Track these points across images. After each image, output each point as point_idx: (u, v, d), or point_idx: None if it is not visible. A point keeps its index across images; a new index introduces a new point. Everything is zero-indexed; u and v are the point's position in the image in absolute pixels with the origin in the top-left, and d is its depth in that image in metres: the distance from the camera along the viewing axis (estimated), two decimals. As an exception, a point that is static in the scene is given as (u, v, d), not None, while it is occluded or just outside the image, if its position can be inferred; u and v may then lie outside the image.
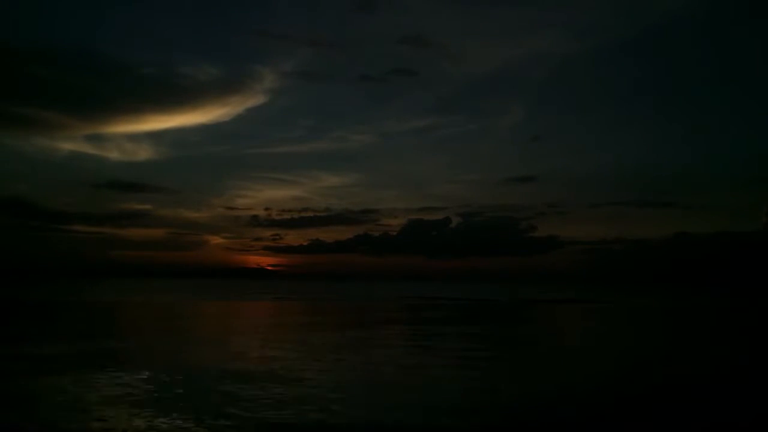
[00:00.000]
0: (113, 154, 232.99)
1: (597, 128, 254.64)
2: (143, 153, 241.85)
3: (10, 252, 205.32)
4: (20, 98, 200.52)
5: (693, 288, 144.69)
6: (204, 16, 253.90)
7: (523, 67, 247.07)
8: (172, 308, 52.19)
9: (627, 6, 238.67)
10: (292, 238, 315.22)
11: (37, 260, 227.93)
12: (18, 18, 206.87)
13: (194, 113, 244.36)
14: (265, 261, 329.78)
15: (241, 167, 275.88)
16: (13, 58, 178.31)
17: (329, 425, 11.23)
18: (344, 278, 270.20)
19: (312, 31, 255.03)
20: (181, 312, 47.76)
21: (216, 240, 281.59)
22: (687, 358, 22.55)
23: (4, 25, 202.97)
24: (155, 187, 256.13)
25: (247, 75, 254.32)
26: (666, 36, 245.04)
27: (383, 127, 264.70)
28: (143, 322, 38.59)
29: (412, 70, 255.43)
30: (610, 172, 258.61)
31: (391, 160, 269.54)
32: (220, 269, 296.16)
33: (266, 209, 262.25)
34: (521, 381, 16.83)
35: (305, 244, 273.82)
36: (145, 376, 15.84)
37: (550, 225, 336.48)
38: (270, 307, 59.07)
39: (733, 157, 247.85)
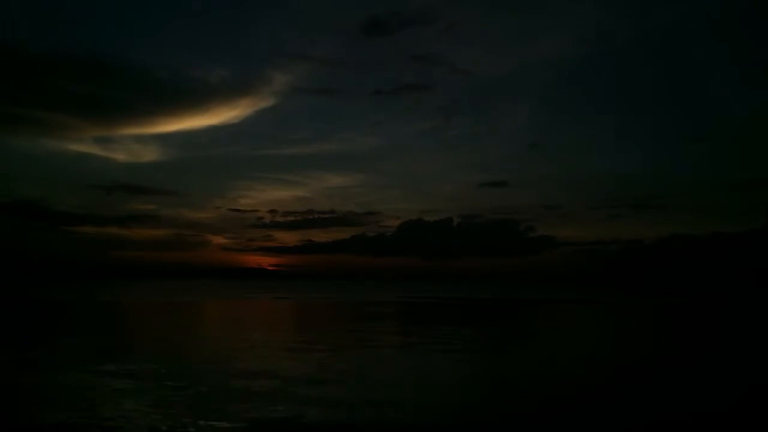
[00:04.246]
0: (120, 156, 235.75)
1: (597, 131, 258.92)
2: (150, 154, 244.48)
3: (19, 253, 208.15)
4: (30, 101, 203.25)
5: (687, 288, 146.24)
6: (217, 22, 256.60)
7: (526, 72, 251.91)
8: (191, 308, 54.42)
9: (628, 13, 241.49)
10: (295, 238, 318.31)
11: (44, 261, 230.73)
12: (30, 24, 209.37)
13: (204, 116, 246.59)
14: (266, 261, 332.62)
15: (247, 168, 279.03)
16: (24, 62, 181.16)
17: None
18: (345, 278, 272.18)
19: (324, 49, 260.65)
20: (200, 312, 50.24)
21: (219, 240, 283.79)
22: (659, 355, 24.38)
23: (17, 31, 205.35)
24: (161, 189, 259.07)
25: (258, 78, 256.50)
26: (664, 43, 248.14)
27: (389, 129, 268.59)
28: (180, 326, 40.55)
29: (422, 84, 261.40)
30: (608, 174, 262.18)
31: (396, 162, 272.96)
32: (222, 269, 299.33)
33: (270, 211, 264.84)
34: (497, 382, 18.32)
35: (305, 244, 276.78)
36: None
37: (549, 226, 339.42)
38: (274, 306, 61.31)
39: (727, 159, 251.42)
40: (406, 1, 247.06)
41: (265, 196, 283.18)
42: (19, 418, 11.83)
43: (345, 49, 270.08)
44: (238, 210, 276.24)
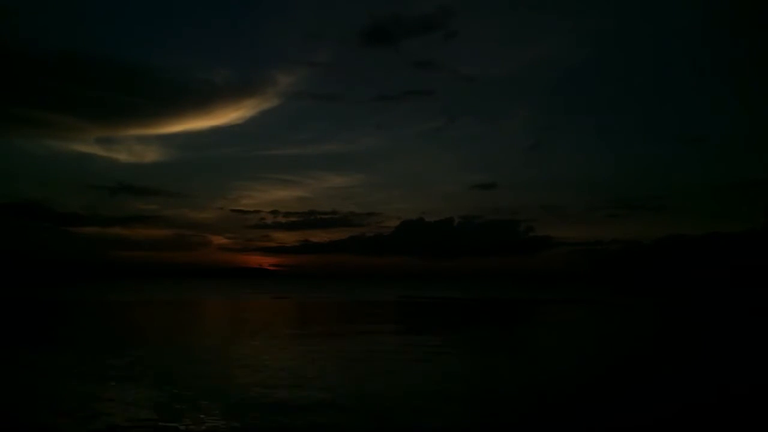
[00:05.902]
0: (123, 157, 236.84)
1: (596, 133, 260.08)
2: (152, 155, 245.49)
3: (22, 253, 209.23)
4: (33, 102, 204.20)
5: (686, 288, 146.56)
6: (222, 25, 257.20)
7: (526, 75, 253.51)
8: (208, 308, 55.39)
9: (626, 15, 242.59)
10: (296, 239, 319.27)
11: (47, 261, 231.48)
12: (33, 25, 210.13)
13: (207, 117, 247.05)
14: (267, 261, 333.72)
15: (249, 169, 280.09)
16: (27, 63, 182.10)
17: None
18: (345, 278, 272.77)
19: (327, 55, 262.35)
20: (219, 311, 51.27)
21: (220, 240, 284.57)
22: (655, 355, 24.90)
23: (21, 32, 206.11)
24: (163, 189, 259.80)
25: (262, 80, 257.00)
26: (663, 45, 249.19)
27: (391, 130, 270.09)
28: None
29: (423, 90, 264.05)
30: (607, 175, 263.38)
31: (397, 163, 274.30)
32: (223, 269, 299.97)
33: (272, 211, 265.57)
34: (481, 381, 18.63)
35: (306, 244, 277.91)
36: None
37: (548, 227, 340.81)
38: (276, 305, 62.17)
39: (725, 160, 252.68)
40: (407, 9, 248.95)
41: (267, 196, 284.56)
42: (20, 424, 12.14)
43: (347, 55, 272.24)
44: (240, 210, 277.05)
